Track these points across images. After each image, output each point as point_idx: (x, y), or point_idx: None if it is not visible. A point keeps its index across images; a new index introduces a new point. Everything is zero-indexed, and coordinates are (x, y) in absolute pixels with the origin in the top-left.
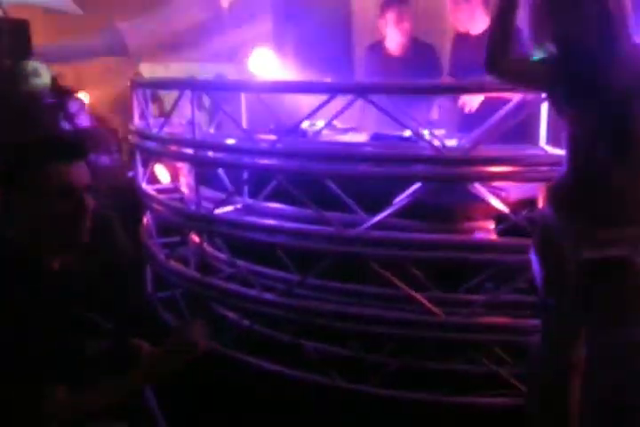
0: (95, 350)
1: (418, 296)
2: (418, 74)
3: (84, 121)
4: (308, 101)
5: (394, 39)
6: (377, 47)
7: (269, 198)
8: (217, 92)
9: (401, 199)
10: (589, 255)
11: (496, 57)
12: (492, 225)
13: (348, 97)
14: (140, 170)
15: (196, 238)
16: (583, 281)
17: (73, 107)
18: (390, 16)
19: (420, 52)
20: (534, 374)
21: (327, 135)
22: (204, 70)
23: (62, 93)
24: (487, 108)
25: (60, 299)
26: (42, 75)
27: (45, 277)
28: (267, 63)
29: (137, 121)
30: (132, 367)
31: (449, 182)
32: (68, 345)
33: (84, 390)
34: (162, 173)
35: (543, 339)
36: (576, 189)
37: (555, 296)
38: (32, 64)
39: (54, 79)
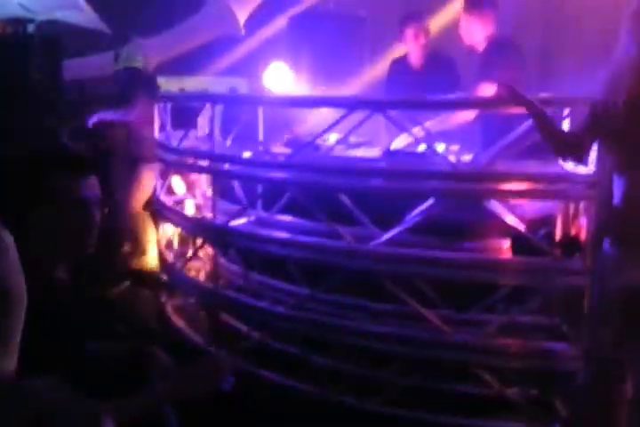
0: (109, 353)
1: (428, 314)
2: (437, 87)
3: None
4: (321, 115)
5: (413, 54)
6: (400, 61)
7: (283, 211)
8: (235, 106)
9: (414, 215)
10: (631, 281)
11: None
12: (506, 243)
13: (362, 112)
14: (159, 181)
15: (210, 249)
16: (626, 308)
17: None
18: (408, 32)
19: (438, 65)
20: (579, 405)
21: (340, 149)
22: (216, 84)
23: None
24: (509, 123)
25: (65, 309)
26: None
27: (53, 288)
28: (281, 78)
29: (157, 133)
30: (144, 376)
31: (463, 198)
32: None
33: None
34: (178, 184)
35: (586, 370)
36: (622, 217)
37: (598, 326)
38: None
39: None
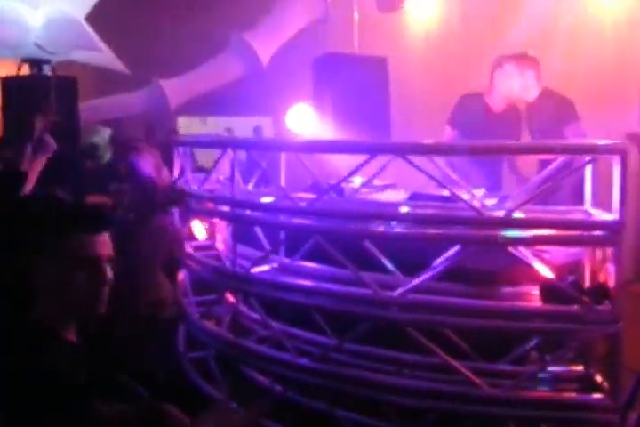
0: (123, 413)
1: (459, 366)
2: (513, 132)
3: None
4: (345, 157)
5: (501, 94)
6: (475, 100)
7: (306, 258)
8: (257, 151)
9: (440, 262)
10: None
11: None
12: (535, 290)
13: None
14: (179, 226)
15: (231, 297)
16: None
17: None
18: (517, 65)
19: (515, 113)
20: None
21: (364, 193)
22: (240, 124)
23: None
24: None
25: (72, 370)
26: (101, 133)
27: (60, 349)
28: (305, 119)
29: (176, 178)
30: None
31: (489, 245)
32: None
33: None
34: (199, 228)
35: None
36: None
37: None
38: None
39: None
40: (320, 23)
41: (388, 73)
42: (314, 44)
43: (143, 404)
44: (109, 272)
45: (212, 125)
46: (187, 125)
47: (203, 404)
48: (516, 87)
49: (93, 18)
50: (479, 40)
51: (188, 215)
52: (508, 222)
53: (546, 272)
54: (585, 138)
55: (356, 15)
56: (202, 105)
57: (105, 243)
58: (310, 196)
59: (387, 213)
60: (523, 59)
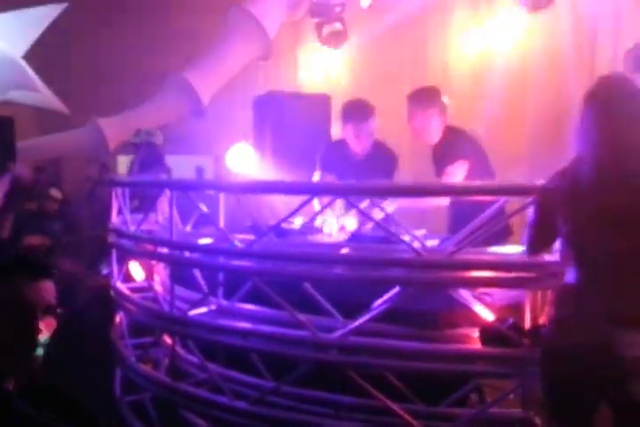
0: None
1: (398, 409)
2: (374, 176)
3: None
4: (286, 198)
5: (353, 145)
6: (340, 146)
7: (245, 300)
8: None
9: (380, 304)
10: None
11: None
12: (475, 333)
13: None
14: (115, 267)
15: (168, 340)
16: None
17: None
18: (348, 129)
19: (379, 155)
20: None
21: (305, 234)
22: (181, 163)
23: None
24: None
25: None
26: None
27: None
28: (245, 158)
29: (114, 218)
30: None
31: (429, 287)
32: None
33: None
34: (136, 270)
35: None
36: None
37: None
38: None
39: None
40: (262, 60)
41: (330, 111)
42: (256, 82)
43: None
44: (47, 322)
45: None
46: (127, 164)
47: None
48: (417, 127)
49: (31, 57)
50: (424, 79)
51: (125, 256)
52: (449, 264)
53: (486, 315)
54: (457, 177)
55: (298, 53)
56: None
57: (46, 291)
58: (249, 237)
59: (326, 255)
60: (423, 97)
